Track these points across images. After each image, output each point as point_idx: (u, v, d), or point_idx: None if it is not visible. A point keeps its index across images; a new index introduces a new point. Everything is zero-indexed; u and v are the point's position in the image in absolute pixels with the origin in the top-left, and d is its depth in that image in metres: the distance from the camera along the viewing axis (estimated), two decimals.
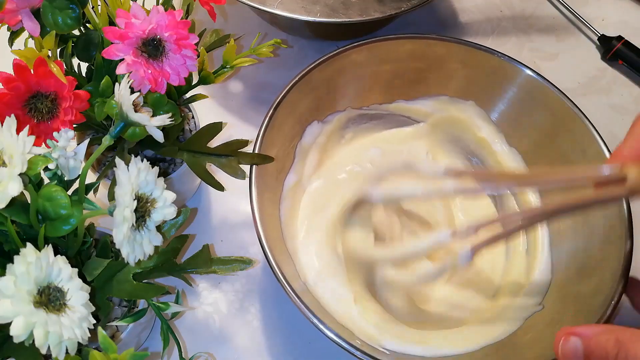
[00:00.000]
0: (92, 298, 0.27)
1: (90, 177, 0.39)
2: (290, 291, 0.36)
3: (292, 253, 0.43)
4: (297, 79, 0.44)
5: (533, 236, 0.46)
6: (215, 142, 0.39)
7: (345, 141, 0.51)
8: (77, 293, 0.26)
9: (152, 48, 0.32)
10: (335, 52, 0.45)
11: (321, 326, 0.35)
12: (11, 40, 0.34)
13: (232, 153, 0.39)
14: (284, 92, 0.43)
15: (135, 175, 0.27)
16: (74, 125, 0.32)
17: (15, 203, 0.27)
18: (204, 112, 0.48)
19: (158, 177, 0.29)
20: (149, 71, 0.32)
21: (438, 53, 0.48)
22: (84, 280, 0.27)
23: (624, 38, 0.60)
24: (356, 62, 0.47)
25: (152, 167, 0.29)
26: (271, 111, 0.42)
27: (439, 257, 0.43)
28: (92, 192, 0.32)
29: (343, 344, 0.35)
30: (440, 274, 0.41)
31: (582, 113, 0.44)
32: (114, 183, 0.28)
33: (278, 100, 0.43)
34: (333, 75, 0.46)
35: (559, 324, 0.39)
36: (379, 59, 0.48)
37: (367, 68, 0.48)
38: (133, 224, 0.27)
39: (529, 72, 0.47)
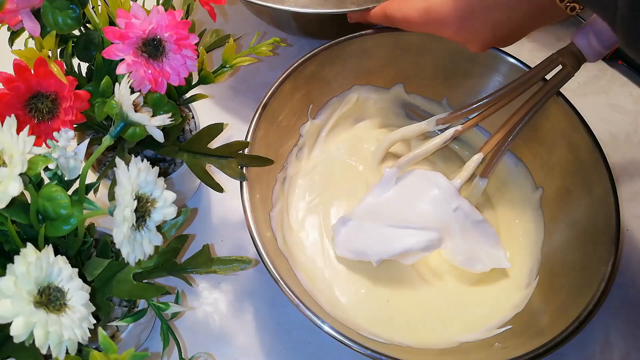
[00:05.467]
0: (92, 298, 0.27)
1: (91, 177, 0.39)
2: (288, 291, 0.36)
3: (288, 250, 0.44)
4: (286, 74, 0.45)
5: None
6: (214, 142, 0.39)
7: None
8: (77, 293, 0.26)
9: (152, 48, 0.32)
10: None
11: (317, 321, 0.35)
12: (11, 40, 0.34)
13: (232, 154, 0.39)
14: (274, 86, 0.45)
15: (135, 175, 0.27)
16: (74, 125, 0.32)
17: (16, 203, 0.27)
18: (204, 112, 0.48)
19: (158, 177, 0.29)
20: (149, 71, 0.32)
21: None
22: (84, 280, 0.27)
23: None
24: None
25: (152, 167, 0.29)
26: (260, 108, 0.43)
27: None
28: (92, 192, 0.32)
29: (343, 339, 0.35)
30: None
31: (577, 112, 0.44)
32: (114, 183, 0.28)
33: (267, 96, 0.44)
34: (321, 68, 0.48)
35: None
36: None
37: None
38: (133, 224, 0.27)
39: (512, 60, 0.47)
